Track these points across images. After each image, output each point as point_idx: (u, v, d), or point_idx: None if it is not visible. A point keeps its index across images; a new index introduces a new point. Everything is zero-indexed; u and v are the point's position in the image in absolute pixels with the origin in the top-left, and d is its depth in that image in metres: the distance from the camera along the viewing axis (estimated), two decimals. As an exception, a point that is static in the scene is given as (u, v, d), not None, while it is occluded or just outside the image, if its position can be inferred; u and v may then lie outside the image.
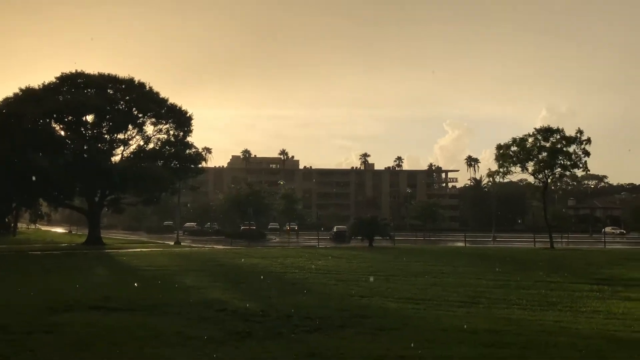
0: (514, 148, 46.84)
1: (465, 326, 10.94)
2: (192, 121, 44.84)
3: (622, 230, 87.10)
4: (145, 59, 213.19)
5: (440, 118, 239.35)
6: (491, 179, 49.97)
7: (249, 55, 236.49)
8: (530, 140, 45.62)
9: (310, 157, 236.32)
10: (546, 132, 45.01)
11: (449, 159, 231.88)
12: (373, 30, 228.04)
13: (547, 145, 44.95)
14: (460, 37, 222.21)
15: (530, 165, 45.70)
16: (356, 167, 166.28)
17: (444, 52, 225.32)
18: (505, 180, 57.09)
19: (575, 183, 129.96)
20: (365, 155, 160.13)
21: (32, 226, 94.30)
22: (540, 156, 44.74)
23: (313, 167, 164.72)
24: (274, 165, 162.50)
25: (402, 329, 10.50)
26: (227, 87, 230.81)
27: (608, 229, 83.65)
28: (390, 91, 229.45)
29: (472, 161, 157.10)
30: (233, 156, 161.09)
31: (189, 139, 45.14)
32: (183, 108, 44.45)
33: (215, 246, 46.67)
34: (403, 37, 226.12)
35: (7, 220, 72.30)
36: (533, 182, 57.94)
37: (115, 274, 20.84)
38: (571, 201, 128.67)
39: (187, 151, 44.65)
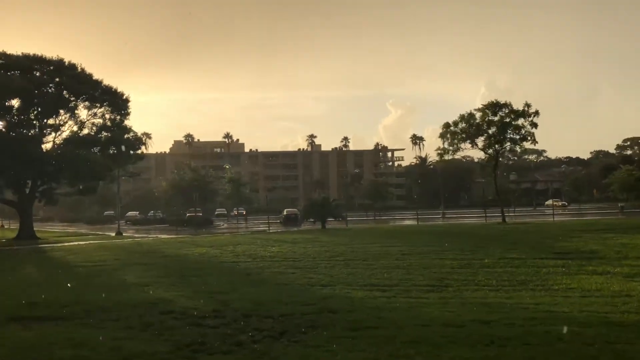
0: (461, 125, 46.60)
1: (448, 318, 9.76)
2: (129, 104, 42.02)
3: (564, 202, 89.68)
4: (75, 41, 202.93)
5: (383, 98, 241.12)
6: (440, 157, 49.56)
7: (187, 37, 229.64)
8: (478, 115, 45.45)
9: (254, 141, 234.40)
10: (494, 106, 44.86)
11: (394, 139, 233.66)
12: (315, 10, 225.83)
13: (496, 119, 44.89)
14: (400, 16, 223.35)
15: (480, 141, 45.61)
16: (303, 149, 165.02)
17: (384, 32, 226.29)
18: (455, 157, 57.18)
19: (516, 158, 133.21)
20: (311, 136, 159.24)
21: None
22: (490, 131, 44.64)
23: (259, 150, 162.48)
24: (218, 150, 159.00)
25: (379, 326, 9.17)
26: (165, 70, 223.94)
27: (549, 202, 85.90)
28: (332, 72, 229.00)
29: (417, 139, 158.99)
30: (175, 141, 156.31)
31: (126, 122, 42.33)
32: (119, 90, 41.53)
33: (159, 235, 44.32)
34: (344, 17, 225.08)
35: None
36: (482, 158, 58.30)
37: (46, 273, 18.62)
38: (513, 175, 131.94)
39: (125, 136, 41.76)
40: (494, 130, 44.75)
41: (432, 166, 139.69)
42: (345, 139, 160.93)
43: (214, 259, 21.95)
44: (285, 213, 67.11)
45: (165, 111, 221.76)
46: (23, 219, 40.58)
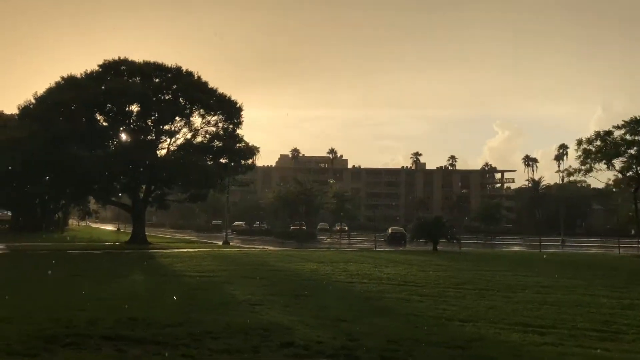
0: (596, 143, 41.73)
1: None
2: (242, 112, 41.71)
3: None
4: (193, 53, 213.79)
5: (490, 119, 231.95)
6: (568, 176, 44.68)
7: (293, 56, 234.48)
8: (617, 133, 40.41)
9: (356, 158, 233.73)
10: (637, 123, 39.64)
11: (500, 160, 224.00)
12: (421, 30, 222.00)
13: (638, 138, 39.62)
14: (508, 36, 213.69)
15: (619, 162, 40.45)
16: (406, 167, 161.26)
17: (492, 52, 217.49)
18: (578, 179, 51.72)
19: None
20: (416, 154, 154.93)
21: (83, 223, 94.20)
22: (631, 151, 39.42)
23: (362, 167, 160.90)
24: (322, 165, 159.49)
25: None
26: (272, 87, 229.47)
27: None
28: (436, 91, 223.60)
29: (529, 161, 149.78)
30: (281, 155, 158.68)
31: (238, 131, 42.02)
32: (233, 98, 41.36)
33: (265, 247, 43.47)
34: (450, 38, 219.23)
35: (57, 216, 71.64)
36: (610, 183, 52.34)
37: (153, 283, 17.54)
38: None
39: (237, 145, 41.42)
40: (636, 150, 39.47)
41: (542, 191, 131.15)
42: (452, 157, 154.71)
43: (327, 277, 19.98)
44: (390, 231, 64.38)
45: (271, 126, 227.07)
46: (136, 223, 41.32)
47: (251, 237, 69.32)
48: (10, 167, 33.38)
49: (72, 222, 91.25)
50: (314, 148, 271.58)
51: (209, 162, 39.24)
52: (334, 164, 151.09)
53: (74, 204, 63.60)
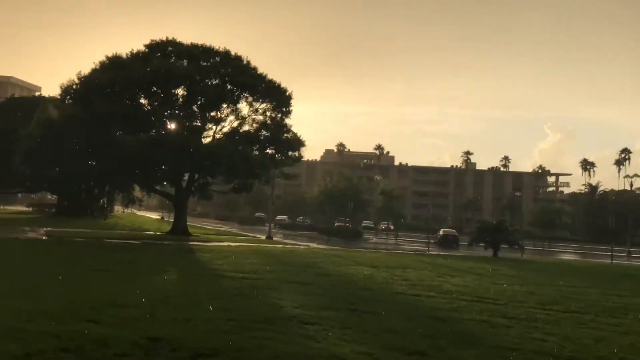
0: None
1: None
2: (292, 101, 39.27)
3: None
4: (242, 38, 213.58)
5: (540, 120, 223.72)
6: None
7: (341, 51, 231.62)
8: None
9: (402, 155, 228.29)
10: None
11: (550, 163, 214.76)
12: (471, 30, 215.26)
13: None
14: (559, 37, 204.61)
15: None
16: (456, 166, 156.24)
17: (542, 53, 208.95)
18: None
19: None
20: (467, 153, 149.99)
21: (128, 210, 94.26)
22: None
23: (409, 164, 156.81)
24: (367, 161, 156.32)
25: None
26: (317, 82, 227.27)
27: None
28: (486, 91, 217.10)
29: (587, 165, 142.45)
30: (326, 150, 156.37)
31: (287, 121, 39.61)
32: (282, 85, 38.98)
33: (310, 244, 41.03)
34: (501, 37, 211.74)
35: (101, 202, 71.26)
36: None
37: (187, 284, 15.20)
38: None
39: (285, 135, 39.02)
40: None
41: (600, 196, 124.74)
42: (506, 158, 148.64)
43: (386, 287, 17.24)
44: (441, 233, 61.08)
45: (316, 121, 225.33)
46: (178, 213, 39.52)
47: (294, 232, 67.17)
48: (52, 149, 32.00)
49: (117, 209, 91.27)
50: (358, 144, 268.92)
51: (255, 152, 36.95)
52: (380, 160, 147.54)
53: (118, 190, 62.92)
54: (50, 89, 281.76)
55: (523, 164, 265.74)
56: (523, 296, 17.03)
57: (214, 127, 37.52)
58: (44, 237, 30.61)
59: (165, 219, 76.43)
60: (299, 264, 22.49)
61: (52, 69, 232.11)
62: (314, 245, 40.88)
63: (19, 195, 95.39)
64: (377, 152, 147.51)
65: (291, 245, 36.47)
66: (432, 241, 61.71)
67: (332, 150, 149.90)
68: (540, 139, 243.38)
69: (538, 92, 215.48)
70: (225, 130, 38.17)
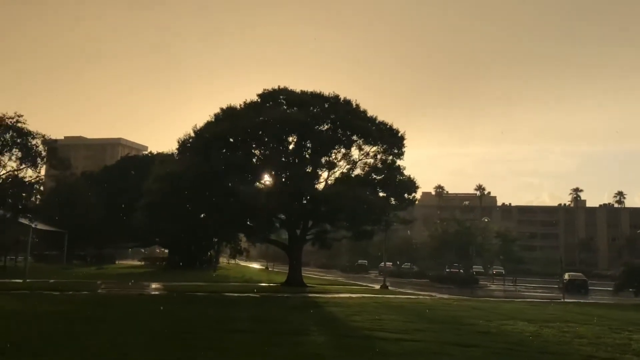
0: None
1: None
2: (405, 142, 37.38)
3: None
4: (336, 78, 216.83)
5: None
6: None
7: (427, 92, 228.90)
8: None
9: (500, 196, 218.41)
10: None
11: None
12: (560, 63, 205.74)
13: None
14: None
15: None
16: (564, 204, 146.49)
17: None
18: None
19: None
20: (576, 190, 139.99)
21: (232, 261, 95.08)
22: None
23: (512, 204, 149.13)
24: (467, 203, 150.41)
25: None
26: (403, 123, 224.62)
27: None
28: (584, 125, 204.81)
29: None
30: (424, 192, 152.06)
31: (400, 162, 37.65)
32: (394, 126, 37.30)
33: (433, 294, 38.07)
34: (594, 68, 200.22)
35: (209, 254, 71.97)
36: None
37: (339, 349, 13.14)
38: None
39: (399, 178, 37.01)
40: None
41: None
42: (620, 193, 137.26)
43: (568, 349, 14.35)
44: (567, 277, 55.58)
45: (408, 163, 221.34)
46: (292, 263, 38.20)
47: (401, 280, 64.09)
48: (172, 202, 32.03)
49: (222, 260, 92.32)
50: (453, 185, 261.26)
51: (373, 196, 35.16)
52: (482, 201, 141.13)
53: (227, 242, 63.14)
54: (156, 147, 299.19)
55: (634, 200, 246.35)
56: None
57: (327, 173, 36.32)
58: (163, 292, 30.20)
59: (270, 269, 75.94)
60: (444, 320, 19.95)
61: (155, 129, 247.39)
62: (436, 294, 37.90)
63: (130, 250, 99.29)
64: (477, 192, 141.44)
65: (414, 296, 33.80)
66: (557, 287, 56.54)
67: (429, 193, 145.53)
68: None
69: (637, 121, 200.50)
70: (336, 175, 36.84)
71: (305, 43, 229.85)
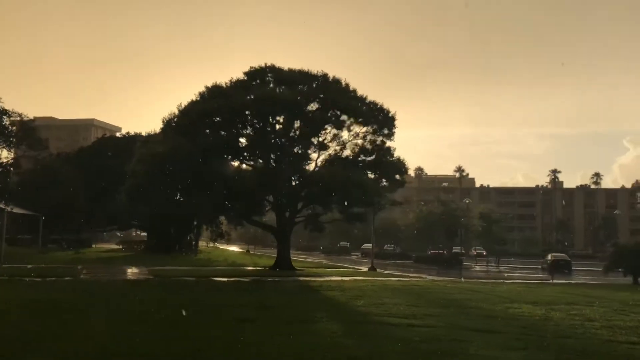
0: None
1: None
2: (396, 122, 36.62)
3: None
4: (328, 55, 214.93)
5: (618, 135, 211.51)
6: None
7: (405, 72, 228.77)
8: None
9: (476, 177, 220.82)
10: None
11: (631, 179, 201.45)
12: (539, 43, 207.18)
13: None
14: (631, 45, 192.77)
15: None
16: (542, 186, 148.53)
17: (622, 65, 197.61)
18: None
19: None
20: (554, 171, 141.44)
21: (210, 245, 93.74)
22: None
23: (491, 186, 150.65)
24: (446, 184, 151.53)
25: None
26: (390, 104, 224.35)
27: None
28: (556, 108, 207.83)
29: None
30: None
31: (389, 144, 36.95)
32: (385, 106, 36.49)
33: (423, 276, 37.72)
34: (569, 53, 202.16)
35: (189, 238, 70.70)
36: None
37: (353, 336, 12.40)
38: None
39: (389, 159, 36.32)
40: None
41: None
42: (597, 175, 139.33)
43: (583, 333, 13.89)
44: (550, 258, 55.97)
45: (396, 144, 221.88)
46: (281, 246, 37.37)
47: (384, 262, 63.75)
48: (159, 184, 30.81)
49: (201, 244, 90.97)
50: (430, 168, 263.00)
51: (364, 178, 34.41)
52: (461, 183, 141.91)
53: (207, 225, 62.00)
54: (130, 128, 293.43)
55: (604, 181, 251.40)
56: None
57: (317, 154, 35.46)
58: (149, 277, 29.17)
59: (252, 252, 75.07)
60: (447, 304, 19.35)
61: (129, 110, 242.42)
62: (426, 276, 37.56)
63: (105, 233, 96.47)
64: (456, 174, 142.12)
65: (406, 279, 33.31)
66: (540, 267, 56.89)
67: (408, 175, 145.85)
68: (619, 154, 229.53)
69: (615, 106, 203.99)
70: (325, 156, 36.01)
71: (289, 22, 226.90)
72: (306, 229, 39.83)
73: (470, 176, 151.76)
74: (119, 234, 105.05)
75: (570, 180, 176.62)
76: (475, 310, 17.88)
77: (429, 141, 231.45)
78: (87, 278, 27.65)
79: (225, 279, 28.69)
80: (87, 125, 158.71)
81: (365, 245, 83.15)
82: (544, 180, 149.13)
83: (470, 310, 17.63)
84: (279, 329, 13.01)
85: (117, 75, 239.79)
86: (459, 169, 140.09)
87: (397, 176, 36.48)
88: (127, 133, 66.43)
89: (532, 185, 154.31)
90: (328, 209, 36.97)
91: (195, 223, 62.64)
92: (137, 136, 64.40)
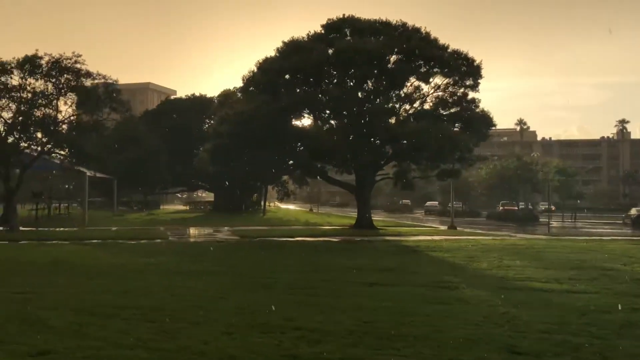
0: None
1: None
2: (482, 71, 34.39)
3: None
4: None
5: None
6: None
7: (453, 24, 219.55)
8: None
9: (537, 130, 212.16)
10: None
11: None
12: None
13: None
14: None
15: None
16: (608, 137, 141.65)
17: None
18: None
19: None
20: (622, 121, 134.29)
21: (272, 205, 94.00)
22: None
23: (553, 139, 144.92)
24: (505, 138, 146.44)
25: None
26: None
27: None
28: (610, 58, 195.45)
29: None
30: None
31: (475, 95, 34.85)
32: (470, 55, 34.25)
33: (510, 234, 35.99)
34: None
35: (254, 197, 70.91)
36: None
37: (522, 310, 11.19)
38: None
39: (476, 111, 34.32)
40: None
41: None
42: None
43: None
44: (635, 212, 53.02)
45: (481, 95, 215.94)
46: (361, 205, 36.32)
47: (448, 219, 62.18)
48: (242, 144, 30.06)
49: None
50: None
51: (458, 131, 32.63)
52: (522, 137, 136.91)
53: (275, 185, 61.78)
54: (184, 91, 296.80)
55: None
56: None
57: (403, 108, 33.76)
58: (235, 237, 28.81)
59: (315, 211, 74.58)
60: (576, 265, 17.77)
61: (182, 73, 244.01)
62: (512, 234, 35.86)
63: (167, 195, 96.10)
64: (517, 127, 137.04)
65: (497, 238, 31.67)
66: (622, 222, 54.12)
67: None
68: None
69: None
70: (408, 109, 34.28)
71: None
72: (396, 186, 38.38)
73: (531, 129, 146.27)
74: (179, 195, 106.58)
75: (634, 131, 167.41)
76: (613, 272, 16.31)
77: (484, 95, 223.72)
78: (176, 240, 27.42)
79: (312, 239, 28.02)
80: (143, 88, 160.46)
81: (429, 203, 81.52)
82: (599, 132, 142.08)
83: (609, 273, 16.08)
84: (425, 296, 11.98)
85: (169, 38, 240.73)
86: (520, 122, 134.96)
87: (484, 130, 34.46)
88: (192, 94, 66.06)
89: (591, 137, 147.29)
90: (420, 165, 35.39)
91: (259, 184, 62.55)
92: (202, 97, 64.20)
